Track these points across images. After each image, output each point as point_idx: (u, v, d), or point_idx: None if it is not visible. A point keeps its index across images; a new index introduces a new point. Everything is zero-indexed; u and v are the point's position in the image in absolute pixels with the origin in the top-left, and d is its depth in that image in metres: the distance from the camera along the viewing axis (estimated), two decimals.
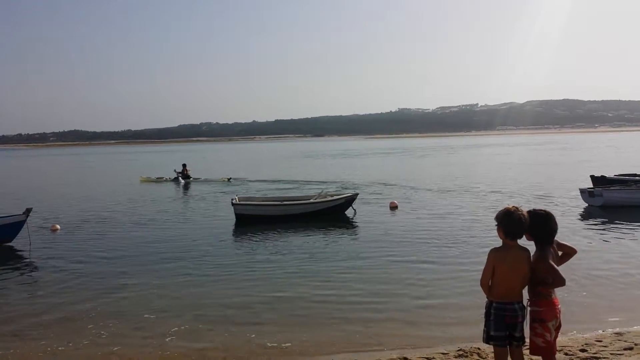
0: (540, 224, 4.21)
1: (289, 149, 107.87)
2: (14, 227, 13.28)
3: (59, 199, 24.07)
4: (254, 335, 7.02)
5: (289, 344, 6.71)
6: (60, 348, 6.79)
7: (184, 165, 34.27)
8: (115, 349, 6.74)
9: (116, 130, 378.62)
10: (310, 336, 6.98)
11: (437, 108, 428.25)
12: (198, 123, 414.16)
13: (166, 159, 72.51)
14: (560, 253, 4.36)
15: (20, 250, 12.92)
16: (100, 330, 7.34)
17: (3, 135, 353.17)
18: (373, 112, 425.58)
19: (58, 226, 15.68)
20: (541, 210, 4.32)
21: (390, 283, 9.23)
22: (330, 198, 17.55)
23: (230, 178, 33.35)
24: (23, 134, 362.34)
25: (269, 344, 6.72)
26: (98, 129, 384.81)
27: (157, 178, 34.79)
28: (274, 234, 14.35)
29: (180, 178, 33.00)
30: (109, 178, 38.73)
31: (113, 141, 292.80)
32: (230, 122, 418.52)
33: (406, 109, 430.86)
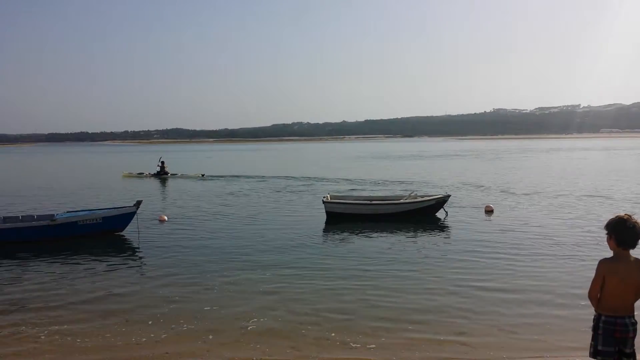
0: None
1: (374, 148, 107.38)
2: (126, 217, 14.43)
3: (167, 193, 25.74)
4: (335, 335, 7.10)
5: (374, 346, 6.73)
6: (161, 333, 7.23)
7: (162, 162, 37.88)
8: (210, 337, 7.10)
9: (214, 129, 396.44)
10: (397, 339, 6.95)
11: (535, 109, 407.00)
12: (290, 123, 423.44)
13: (239, 157, 75.06)
14: None
15: (130, 239, 13.98)
16: (195, 320, 7.71)
17: (112, 132, 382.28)
18: (466, 112, 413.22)
19: (165, 217, 16.84)
20: None
21: (485, 290, 8.98)
22: (420, 199, 17.37)
23: (204, 174, 36.81)
24: (130, 131, 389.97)
25: (352, 345, 6.78)
26: (198, 128, 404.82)
27: (138, 173, 38.22)
28: (364, 233, 14.44)
29: (158, 172, 37.02)
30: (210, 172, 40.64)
31: (211, 139, 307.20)
32: (320, 122, 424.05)
33: (502, 109, 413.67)
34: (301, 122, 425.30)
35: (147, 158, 70.24)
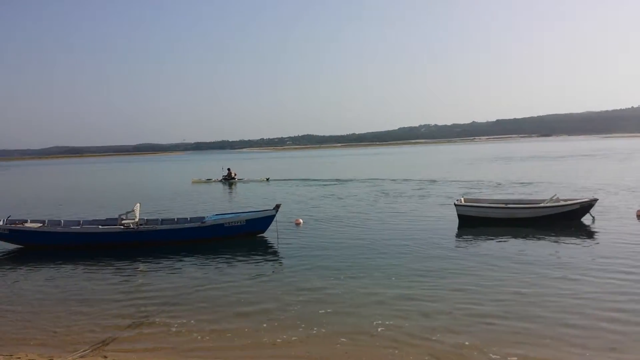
0: None
1: (506, 149, 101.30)
2: (267, 220, 15.38)
3: (304, 197, 26.95)
4: (470, 343, 6.98)
5: (515, 358, 6.52)
6: (292, 335, 7.54)
7: (229, 169, 41.09)
8: (342, 339, 7.30)
9: (342, 134, 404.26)
10: (540, 352, 6.68)
11: None
12: (417, 125, 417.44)
13: (355, 161, 75.06)
14: None
15: (271, 240, 14.81)
16: (327, 322, 7.96)
17: (249, 140, 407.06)
18: (611, 108, 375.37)
19: (301, 220, 17.67)
20: None
21: (636, 305, 8.25)
22: (563, 203, 16.28)
23: (268, 178, 39.23)
24: (265, 138, 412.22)
25: (492, 355, 6.65)
26: (327, 134, 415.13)
27: (207, 179, 40.89)
28: (499, 238, 13.87)
29: (225, 177, 40.08)
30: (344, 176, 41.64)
31: (339, 144, 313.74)
32: (448, 123, 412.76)
33: None
34: (428, 124, 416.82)
35: (251, 164, 73.47)
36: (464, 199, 17.64)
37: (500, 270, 10.55)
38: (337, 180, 37.12)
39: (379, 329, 7.60)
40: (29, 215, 19.50)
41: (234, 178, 40.22)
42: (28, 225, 15.33)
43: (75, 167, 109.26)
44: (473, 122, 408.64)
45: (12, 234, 14.91)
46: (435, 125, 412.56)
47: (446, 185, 29.34)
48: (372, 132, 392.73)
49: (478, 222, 16.09)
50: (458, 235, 14.85)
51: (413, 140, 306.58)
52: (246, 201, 25.80)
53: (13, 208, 24.68)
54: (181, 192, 32.27)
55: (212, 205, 24.38)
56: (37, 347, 7.55)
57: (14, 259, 13.98)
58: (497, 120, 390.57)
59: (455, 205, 16.92)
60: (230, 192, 32.76)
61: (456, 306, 8.45)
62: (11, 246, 15.10)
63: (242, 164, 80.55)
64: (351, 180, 36.51)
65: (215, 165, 48.54)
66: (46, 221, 15.76)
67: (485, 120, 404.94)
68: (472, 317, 7.96)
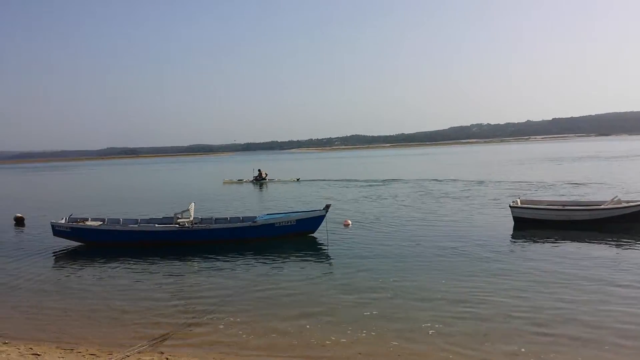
0: None
1: (562, 148, 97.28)
2: (317, 220, 15.45)
3: (338, 198, 26.89)
4: (525, 350, 6.78)
5: None
6: (341, 336, 7.52)
7: (260, 170, 41.76)
8: (394, 343, 7.20)
9: (391, 134, 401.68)
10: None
11: None
12: (468, 125, 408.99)
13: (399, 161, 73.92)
14: None
15: (321, 240, 14.85)
16: (379, 324, 7.93)
17: (298, 141, 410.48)
18: None
19: (349, 221, 17.62)
20: None
21: None
22: (624, 204, 15.54)
23: (299, 179, 39.96)
24: (313, 139, 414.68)
25: None
26: (375, 134, 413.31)
27: (238, 180, 41.50)
28: (556, 242, 13.40)
29: (256, 178, 40.85)
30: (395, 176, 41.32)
31: (388, 144, 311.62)
32: (502, 122, 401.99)
33: None
34: (481, 124, 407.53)
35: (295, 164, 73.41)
36: (520, 201, 17.11)
37: (558, 277, 10.14)
38: (376, 180, 36.96)
39: (430, 332, 7.50)
40: (88, 213, 20.33)
41: (264, 178, 41.13)
42: (89, 223, 16.01)
43: (128, 167, 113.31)
44: (528, 121, 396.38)
45: (74, 231, 15.60)
46: (488, 124, 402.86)
47: (497, 187, 28.56)
48: (422, 132, 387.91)
49: (534, 224, 15.60)
50: (513, 239, 14.41)
51: (464, 140, 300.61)
52: (274, 201, 26.32)
53: (74, 207, 25.80)
54: (212, 193, 32.94)
55: (242, 205, 24.93)
56: (96, 342, 7.85)
57: (76, 256, 14.61)
58: (553, 119, 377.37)
59: (510, 207, 16.44)
60: (260, 192, 33.49)
61: (510, 313, 8.20)
62: (73, 243, 15.81)
63: (282, 165, 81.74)
64: (396, 180, 36.20)
65: (259, 165, 49.68)
66: (106, 219, 16.39)
67: (540, 119, 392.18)
68: (527, 324, 7.70)
